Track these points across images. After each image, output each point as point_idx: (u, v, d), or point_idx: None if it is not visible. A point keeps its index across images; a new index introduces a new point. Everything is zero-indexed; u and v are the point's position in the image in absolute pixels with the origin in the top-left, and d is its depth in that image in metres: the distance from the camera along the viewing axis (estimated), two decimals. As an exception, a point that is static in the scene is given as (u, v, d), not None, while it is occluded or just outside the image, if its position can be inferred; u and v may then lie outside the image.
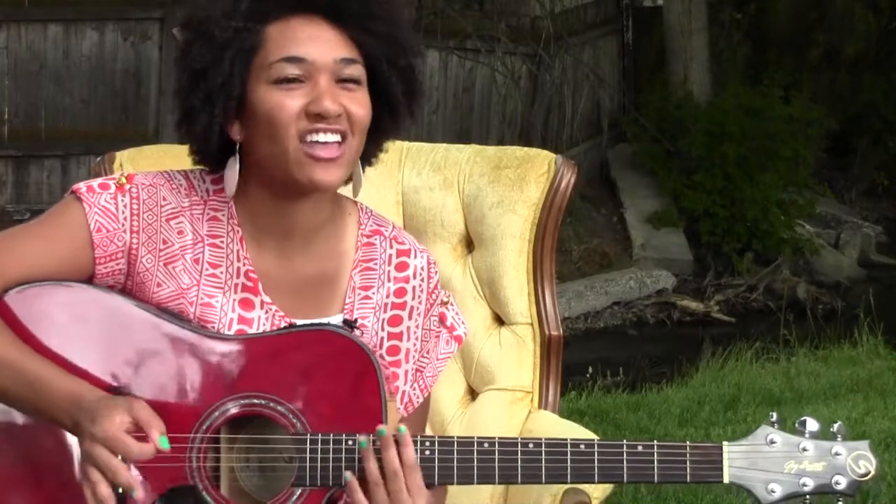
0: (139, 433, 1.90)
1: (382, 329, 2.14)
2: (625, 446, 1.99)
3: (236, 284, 2.06)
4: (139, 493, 1.92)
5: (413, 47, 2.06)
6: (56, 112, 9.54)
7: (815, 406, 5.88)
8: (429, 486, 1.99)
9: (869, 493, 4.42)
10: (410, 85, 2.06)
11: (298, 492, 1.98)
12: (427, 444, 2.00)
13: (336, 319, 2.09)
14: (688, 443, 2.00)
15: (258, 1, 1.98)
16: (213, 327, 2.03)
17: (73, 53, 9.54)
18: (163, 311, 2.01)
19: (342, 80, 1.99)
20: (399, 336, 2.15)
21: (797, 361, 7.10)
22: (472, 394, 2.73)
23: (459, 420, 2.69)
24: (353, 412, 1.98)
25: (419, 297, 2.16)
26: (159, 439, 1.90)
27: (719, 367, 6.95)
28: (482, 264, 2.71)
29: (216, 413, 1.97)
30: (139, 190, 2.03)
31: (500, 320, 2.72)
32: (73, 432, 1.94)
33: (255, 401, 1.98)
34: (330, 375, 1.99)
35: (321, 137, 1.97)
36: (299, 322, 2.06)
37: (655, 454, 1.98)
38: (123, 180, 2.04)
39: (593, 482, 2.02)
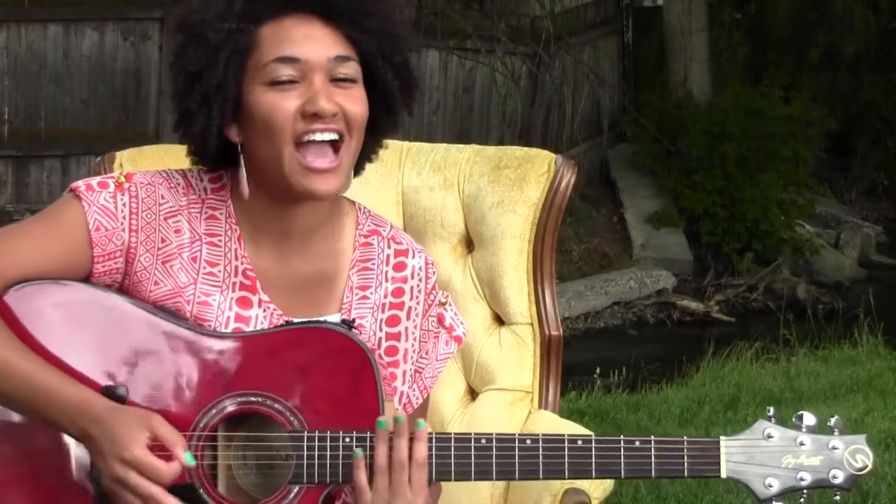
0: (159, 448, 1.90)
1: (381, 329, 2.13)
2: (622, 442, 1.99)
3: (234, 283, 2.06)
4: None
5: (407, 42, 2.06)
6: (56, 112, 9.55)
7: (815, 406, 5.87)
8: (425, 483, 1.99)
9: (869, 493, 4.42)
10: (406, 80, 2.05)
11: (296, 489, 1.97)
12: (424, 440, 1.99)
13: (334, 319, 2.08)
14: (685, 438, 2.00)
15: (251, 2, 1.98)
16: (210, 325, 2.02)
17: (73, 53, 9.55)
18: (160, 309, 2.01)
19: (337, 79, 1.99)
20: (397, 336, 2.15)
21: (797, 361, 7.10)
22: (472, 394, 2.72)
23: (459, 420, 2.69)
24: (350, 410, 1.98)
25: (417, 297, 2.16)
26: (185, 456, 1.91)
27: (719, 367, 6.94)
28: (482, 264, 2.71)
29: (213, 411, 1.97)
30: (138, 189, 2.03)
31: (500, 320, 2.72)
32: (80, 440, 1.94)
33: (253, 398, 1.98)
34: (327, 373, 1.99)
35: (318, 137, 1.97)
36: (296, 320, 2.06)
37: (653, 449, 1.98)
38: (122, 179, 2.03)
39: (591, 478, 2.03)
